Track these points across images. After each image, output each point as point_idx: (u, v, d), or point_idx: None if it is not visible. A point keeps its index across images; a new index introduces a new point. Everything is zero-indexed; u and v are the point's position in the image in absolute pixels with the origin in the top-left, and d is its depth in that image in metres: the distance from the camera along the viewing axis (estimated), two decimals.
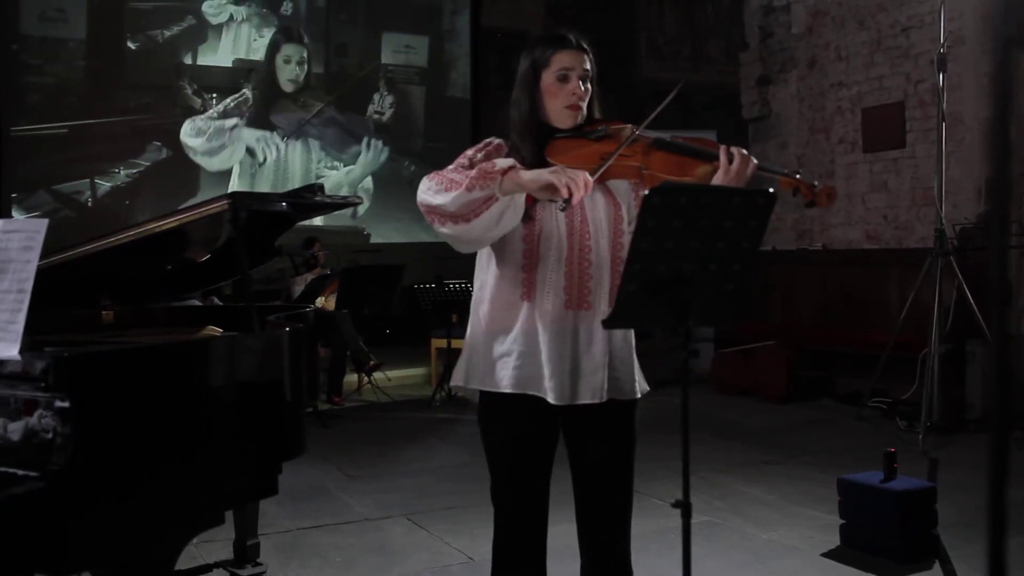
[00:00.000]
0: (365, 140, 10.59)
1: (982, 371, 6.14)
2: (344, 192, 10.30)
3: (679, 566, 2.05)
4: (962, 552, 3.66)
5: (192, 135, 9.74)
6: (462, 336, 7.97)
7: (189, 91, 9.71)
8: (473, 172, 2.05)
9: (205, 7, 9.74)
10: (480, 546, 3.91)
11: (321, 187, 2.97)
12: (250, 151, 10.03)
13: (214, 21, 9.84)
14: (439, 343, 7.75)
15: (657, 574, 2.89)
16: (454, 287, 7.33)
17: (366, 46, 10.66)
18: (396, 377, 8.15)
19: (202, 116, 9.75)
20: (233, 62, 9.95)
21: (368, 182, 10.65)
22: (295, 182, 10.06)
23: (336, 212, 9.65)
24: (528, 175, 2.04)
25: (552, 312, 2.18)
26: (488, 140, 2.32)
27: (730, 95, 9.43)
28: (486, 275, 2.29)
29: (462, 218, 2.07)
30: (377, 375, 7.55)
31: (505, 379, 2.22)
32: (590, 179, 2.02)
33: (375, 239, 10.45)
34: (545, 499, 2.31)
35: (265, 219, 2.88)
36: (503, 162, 2.07)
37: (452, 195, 2.05)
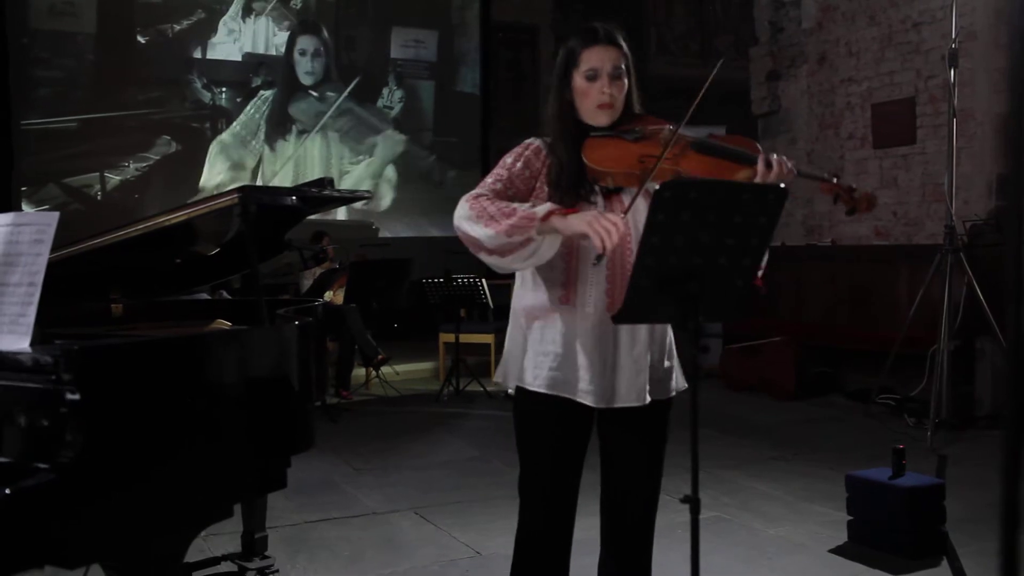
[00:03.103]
0: (383, 133, 10.65)
1: (991, 368, 6.12)
2: (367, 185, 10.43)
3: (687, 561, 2.05)
4: (970, 549, 3.64)
5: (237, 147, 9.86)
6: (470, 331, 7.96)
7: (199, 85, 9.73)
8: (513, 219, 2.02)
9: (227, 15, 9.82)
10: (487, 540, 3.92)
11: (331, 181, 2.96)
12: (271, 145, 10.14)
13: (231, 24, 9.88)
14: (447, 337, 7.76)
15: (665, 569, 2.88)
16: (462, 281, 7.33)
17: (375, 40, 10.66)
18: (404, 371, 8.17)
19: (237, 126, 9.84)
20: (243, 56, 9.96)
21: (391, 171, 10.70)
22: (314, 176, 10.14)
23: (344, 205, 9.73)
24: (564, 223, 1.99)
25: (594, 316, 2.18)
26: (527, 143, 2.27)
27: (740, 90, 9.40)
28: (527, 272, 2.28)
29: (497, 253, 2.07)
30: (385, 369, 7.56)
31: (540, 379, 2.22)
32: (621, 224, 1.96)
33: (383, 233, 10.46)
34: (573, 496, 2.31)
35: (274, 213, 2.88)
36: (542, 209, 2.02)
37: (489, 232, 2.04)
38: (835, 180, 2.15)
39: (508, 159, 2.23)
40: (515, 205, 2.07)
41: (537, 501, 2.31)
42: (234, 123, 9.92)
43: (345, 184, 10.20)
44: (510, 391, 2.34)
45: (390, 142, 10.70)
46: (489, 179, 2.18)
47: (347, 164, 10.46)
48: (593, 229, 1.93)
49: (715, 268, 1.95)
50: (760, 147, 2.18)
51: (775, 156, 2.09)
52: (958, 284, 5.75)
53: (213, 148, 9.82)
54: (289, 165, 10.14)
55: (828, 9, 8.37)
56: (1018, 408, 0.96)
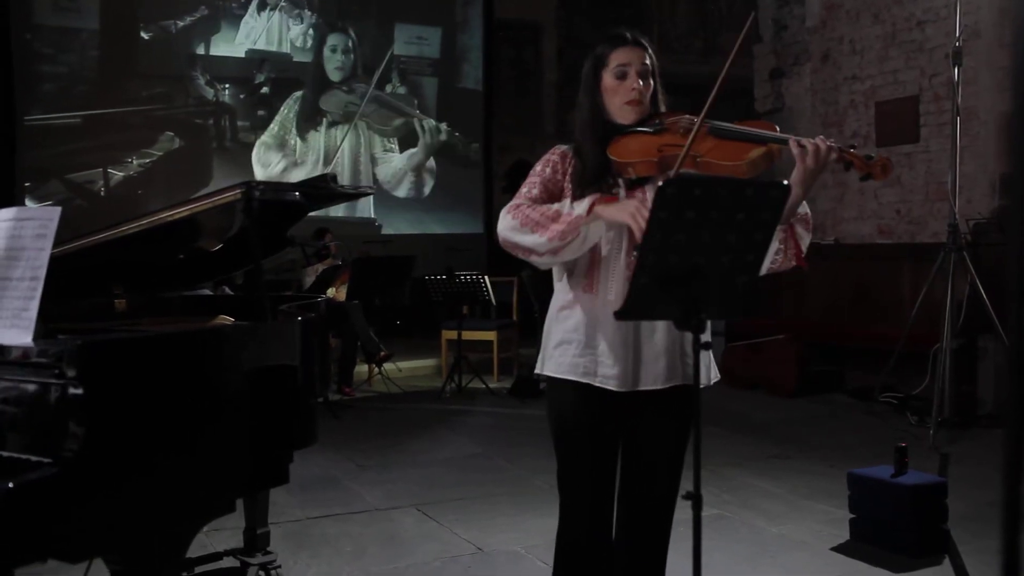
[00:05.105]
0: (418, 122, 10.77)
1: (994, 366, 6.12)
2: (408, 177, 10.65)
3: (689, 559, 2.05)
4: (972, 547, 3.65)
5: (266, 166, 10.02)
6: (473, 328, 7.96)
7: (201, 81, 9.74)
8: (560, 225, 2.13)
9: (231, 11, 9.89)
10: (489, 537, 3.92)
11: (334, 176, 2.96)
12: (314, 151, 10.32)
13: (235, 20, 9.92)
14: (449, 334, 7.76)
15: (667, 567, 2.89)
16: (465, 279, 7.33)
17: (379, 37, 10.66)
18: (406, 368, 8.17)
19: (267, 140, 9.98)
20: (246, 52, 9.97)
21: (431, 163, 10.80)
22: (345, 170, 10.36)
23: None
24: (608, 213, 2.10)
25: (615, 303, 2.22)
26: (554, 149, 2.38)
27: (743, 88, 9.39)
28: (558, 267, 2.37)
29: (550, 253, 2.17)
30: (387, 366, 7.56)
31: (564, 365, 2.29)
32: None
33: (386, 230, 10.47)
34: (607, 484, 2.35)
35: (278, 209, 2.88)
36: (583, 207, 2.13)
37: (541, 239, 2.15)
38: (852, 150, 2.16)
39: (537, 167, 2.34)
40: (556, 207, 2.17)
41: (571, 488, 2.36)
42: (271, 123, 10.08)
43: (382, 176, 10.57)
44: (542, 386, 2.40)
45: (432, 129, 10.83)
46: (524, 188, 2.28)
47: (381, 152, 10.59)
48: (635, 220, 2.03)
49: (718, 266, 1.95)
50: (777, 128, 2.23)
51: (813, 140, 2.12)
52: (961, 283, 5.75)
53: (258, 149, 10.02)
54: (321, 158, 10.26)
55: (832, 7, 8.36)
56: (1020, 407, 0.96)
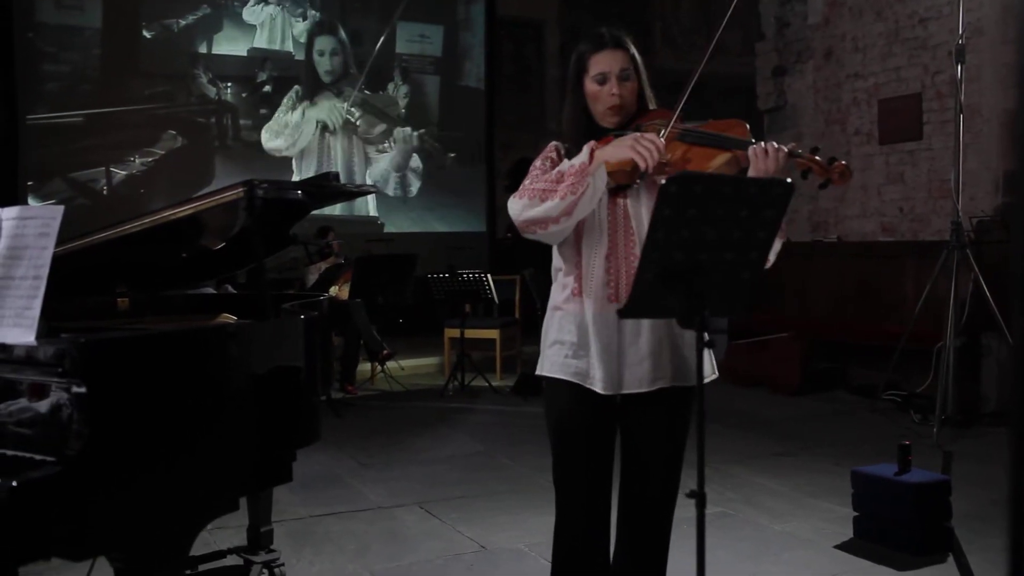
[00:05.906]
0: (399, 129, 10.81)
1: (997, 364, 6.11)
2: (392, 177, 10.66)
3: (693, 556, 2.05)
4: (976, 545, 3.64)
5: (272, 138, 10.02)
6: (475, 326, 7.95)
7: (204, 80, 9.74)
8: (567, 180, 2.15)
9: (244, 12, 9.90)
10: (491, 535, 3.93)
11: (336, 175, 2.97)
12: (324, 125, 10.36)
13: (251, 20, 9.93)
14: (452, 333, 7.76)
15: (670, 564, 2.89)
16: (467, 277, 7.33)
17: (379, 35, 10.66)
18: (409, 366, 8.17)
19: (272, 122, 9.99)
20: (248, 51, 9.97)
21: (416, 161, 10.83)
22: (340, 170, 10.39)
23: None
24: (608, 153, 2.13)
25: (596, 305, 2.25)
26: (550, 144, 2.40)
27: (746, 85, 9.38)
28: (556, 264, 2.39)
29: (566, 214, 2.17)
30: (390, 364, 7.57)
31: (557, 365, 2.31)
32: (660, 144, 2.09)
33: (389, 228, 10.47)
34: (603, 483, 2.35)
35: (280, 207, 2.88)
36: (583, 156, 2.15)
37: (553, 202, 2.16)
38: (805, 155, 2.15)
39: (537, 162, 2.35)
40: (556, 170, 2.20)
41: (568, 487, 2.36)
42: (273, 118, 10.09)
43: (371, 175, 10.55)
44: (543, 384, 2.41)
45: (407, 134, 10.84)
46: (527, 182, 2.29)
47: (373, 152, 10.60)
48: (636, 152, 2.09)
49: (721, 262, 1.95)
50: (748, 127, 2.22)
51: (764, 144, 2.13)
52: (964, 280, 5.74)
53: (264, 135, 10.04)
54: (313, 159, 10.27)
55: (835, 4, 8.35)
56: None
